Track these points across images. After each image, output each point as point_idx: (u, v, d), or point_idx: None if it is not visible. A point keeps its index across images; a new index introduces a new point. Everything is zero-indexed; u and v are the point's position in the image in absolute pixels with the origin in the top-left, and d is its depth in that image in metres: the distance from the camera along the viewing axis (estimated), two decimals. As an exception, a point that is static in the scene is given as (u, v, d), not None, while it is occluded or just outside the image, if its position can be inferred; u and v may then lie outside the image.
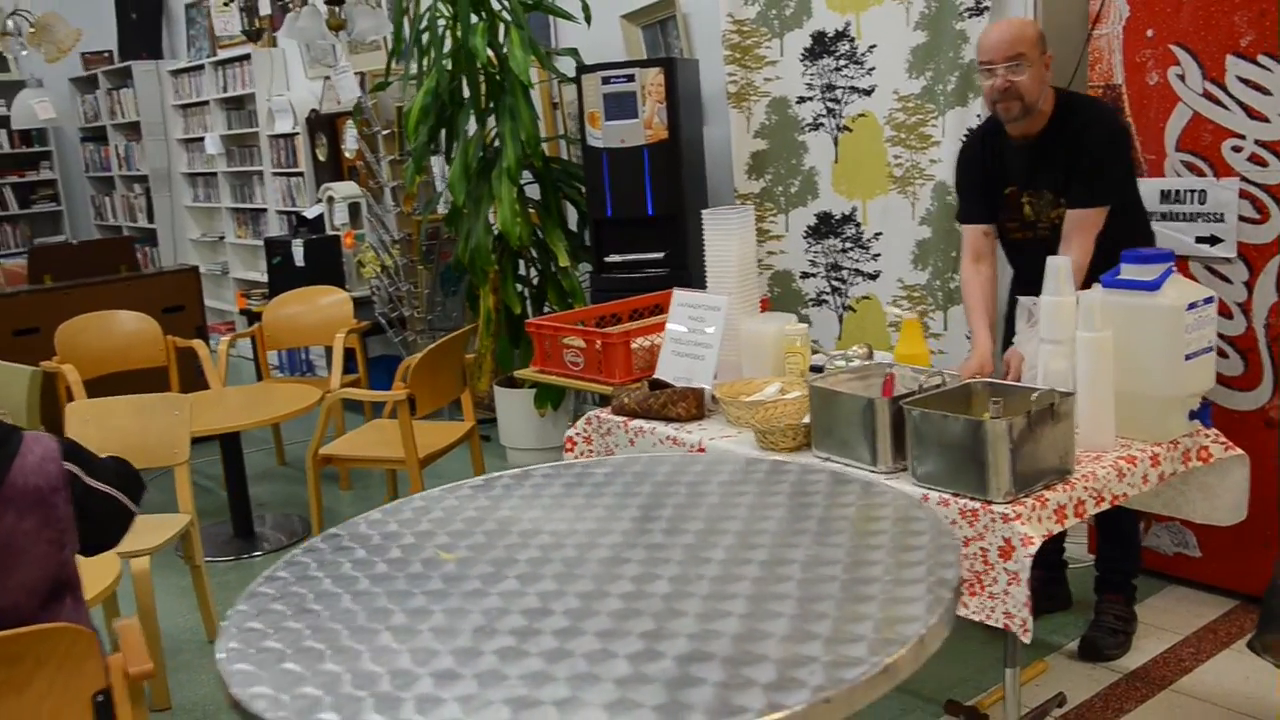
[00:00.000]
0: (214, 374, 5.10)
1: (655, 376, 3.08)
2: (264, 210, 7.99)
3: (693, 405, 2.90)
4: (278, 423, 4.21)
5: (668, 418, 2.92)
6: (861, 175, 4.15)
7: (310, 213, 6.95)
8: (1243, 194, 3.14)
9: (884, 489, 2.03)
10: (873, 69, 4.04)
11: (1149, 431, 2.46)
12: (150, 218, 9.21)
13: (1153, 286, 2.40)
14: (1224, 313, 3.22)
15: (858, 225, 4.20)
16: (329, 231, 6.75)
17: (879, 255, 4.16)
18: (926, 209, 3.95)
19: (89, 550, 2.16)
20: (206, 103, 8.32)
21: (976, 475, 2.17)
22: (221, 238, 8.67)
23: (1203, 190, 3.21)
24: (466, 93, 4.72)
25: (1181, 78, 3.21)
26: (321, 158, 7.11)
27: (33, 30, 5.11)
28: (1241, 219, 3.15)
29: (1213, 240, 3.22)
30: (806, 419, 2.59)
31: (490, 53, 4.43)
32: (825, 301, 4.38)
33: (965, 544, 2.21)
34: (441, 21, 4.54)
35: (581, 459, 3.14)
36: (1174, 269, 2.44)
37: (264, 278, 7.11)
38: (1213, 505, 2.61)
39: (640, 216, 4.26)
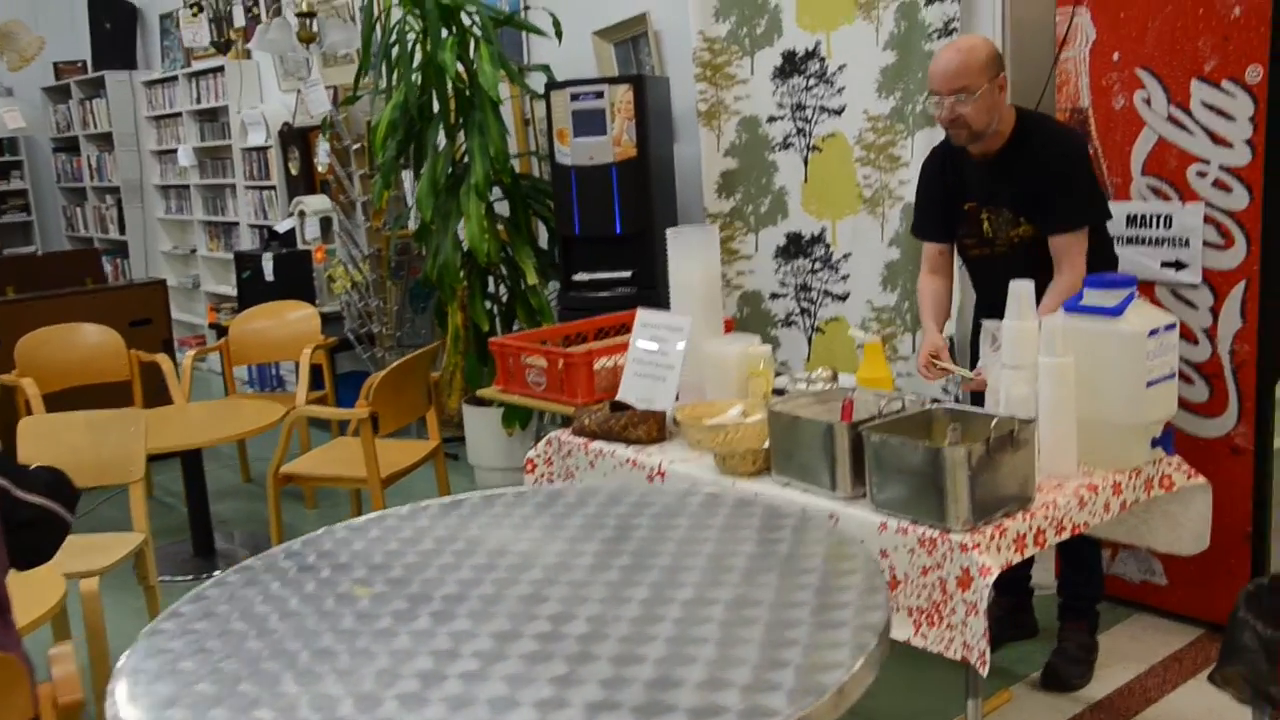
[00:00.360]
0: (178, 389, 5.03)
1: (617, 398, 3.04)
2: (236, 224, 7.92)
3: (653, 428, 2.86)
4: (239, 440, 4.15)
5: (628, 440, 2.88)
6: (831, 195, 4.13)
7: (282, 227, 6.89)
8: (1208, 219, 3.12)
9: (820, 523, 1.98)
10: (843, 88, 4.02)
11: (1111, 459, 2.43)
12: (122, 229, 9.12)
13: (1114, 312, 2.38)
14: (1189, 338, 3.20)
15: (827, 246, 4.18)
16: (300, 246, 6.70)
17: (848, 276, 4.13)
18: (895, 230, 3.93)
19: (22, 565, 2.10)
20: (179, 114, 8.25)
21: (935, 503, 2.14)
22: (193, 251, 8.60)
23: (1168, 215, 3.20)
24: (436, 107, 4.67)
25: (1147, 102, 3.20)
26: (294, 171, 7.06)
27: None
28: (1206, 244, 3.14)
29: (1178, 265, 3.20)
30: (767, 444, 2.55)
31: (460, 68, 4.40)
32: (794, 323, 4.35)
33: (924, 573, 2.18)
34: (411, 35, 4.51)
35: (542, 482, 3.10)
36: (1136, 294, 2.41)
37: (235, 291, 7.04)
38: (1176, 534, 2.58)
39: (608, 235, 4.23)
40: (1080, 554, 3.07)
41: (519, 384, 3.38)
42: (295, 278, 6.42)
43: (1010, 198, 2.90)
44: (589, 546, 1.90)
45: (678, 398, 3.13)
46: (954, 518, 2.13)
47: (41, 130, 10.07)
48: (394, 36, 4.40)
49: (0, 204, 10.01)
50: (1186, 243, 3.17)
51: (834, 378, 3.01)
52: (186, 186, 8.43)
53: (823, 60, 4.06)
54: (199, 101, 8.02)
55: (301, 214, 6.66)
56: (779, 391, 2.90)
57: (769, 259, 4.37)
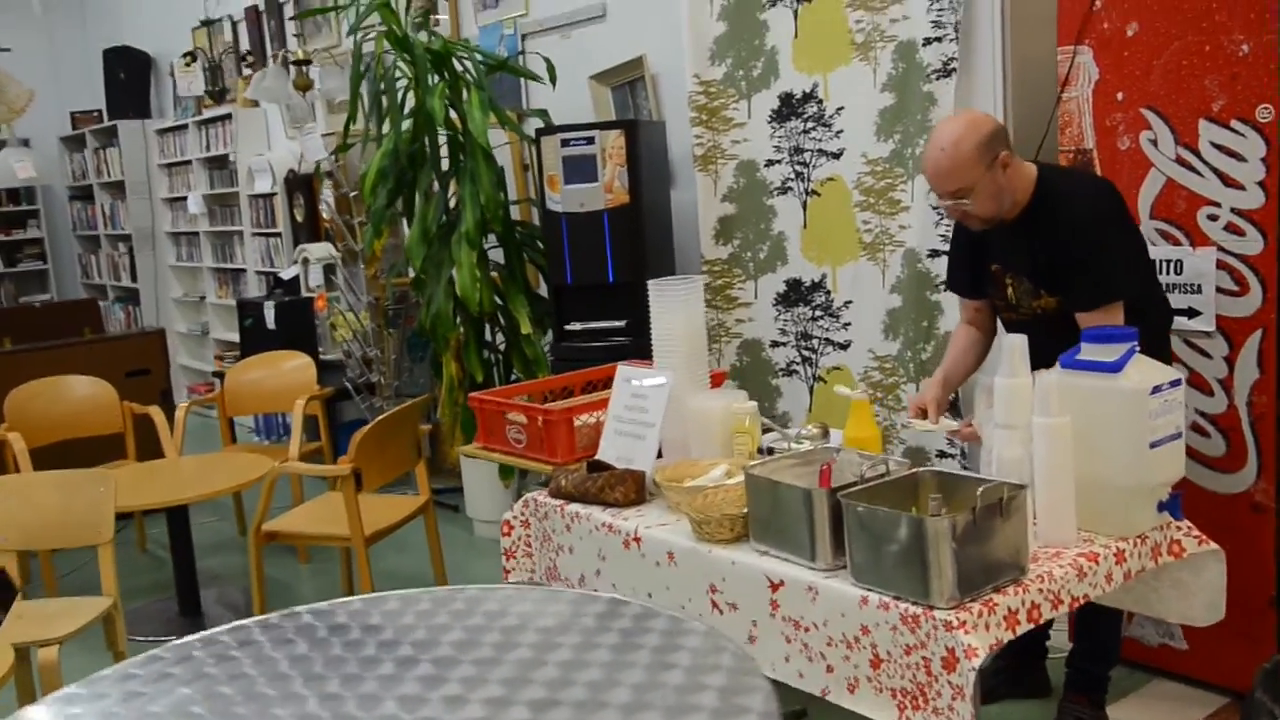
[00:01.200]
0: (169, 442, 4.93)
1: (595, 457, 2.90)
2: (244, 270, 7.87)
3: (631, 489, 2.71)
4: (226, 495, 4.03)
5: (605, 502, 2.74)
6: (831, 241, 3.99)
7: (286, 274, 6.83)
8: (1220, 264, 2.96)
9: (690, 630, 1.66)
10: (841, 131, 3.89)
11: (1114, 525, 2.27)
12: (134, 277, 9.11)
13: (1114, 368, 2.22)
14: (1204, 389, 3.03)
15: (828, 293, 4.04)
16: (304, 294, 6.62)
17: (849, 324, 3.99)
18: (897, 276, 3.78)
19: None
20: (189, 162, 8.24)
21: (918, 577, 1.98)
22: (203, 298, 8.56)
23: (1179, 260, 3.04)
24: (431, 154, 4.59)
25: (1154, 143, 3.05)
26: (299, 218, 7.00)
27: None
28: (1220, 290, 2.98)
29: (1190, 313, 3.04)
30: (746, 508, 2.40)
31: (454, 114, 4.31)
32: (795, 371, 4.20)
33: (906, 652, 2.02)
34: (402, 82, 4.43)
35: (519, 546, 2.95)
36: (1137, 349, 2.26)
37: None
38: (1188, 604, 2.41)
39: (601, 283, 4.10)
40: (1094, 621, 2.88)
41: (500, 440, 3.25)
42: (297, 326, 6.34)
43: (1030, 268, 2.72)
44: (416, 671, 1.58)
45: (660, 456, 2.99)
46: (938, 593, 1.97)
47: (58, 179, 10.12)
48: (383, 84, 4.33)
49: (17, 252, 10.05)
50: (1199, 289, 3.01)
51: (825, 434, 2.86)
52: (196, 234, 8.41)
53: (820, 102, 3.94)
54: (208, 149, 8.01)
55: (305, 261, 6.59)
56: (765, 451, 2.75)
57: (769, 306, 4.23)
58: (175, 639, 4.01)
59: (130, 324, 9.34)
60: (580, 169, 4.03)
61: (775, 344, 4.24)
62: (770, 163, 4.14)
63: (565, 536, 2.81)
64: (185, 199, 8.32)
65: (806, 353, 4.14)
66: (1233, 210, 2.92)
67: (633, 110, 4.69)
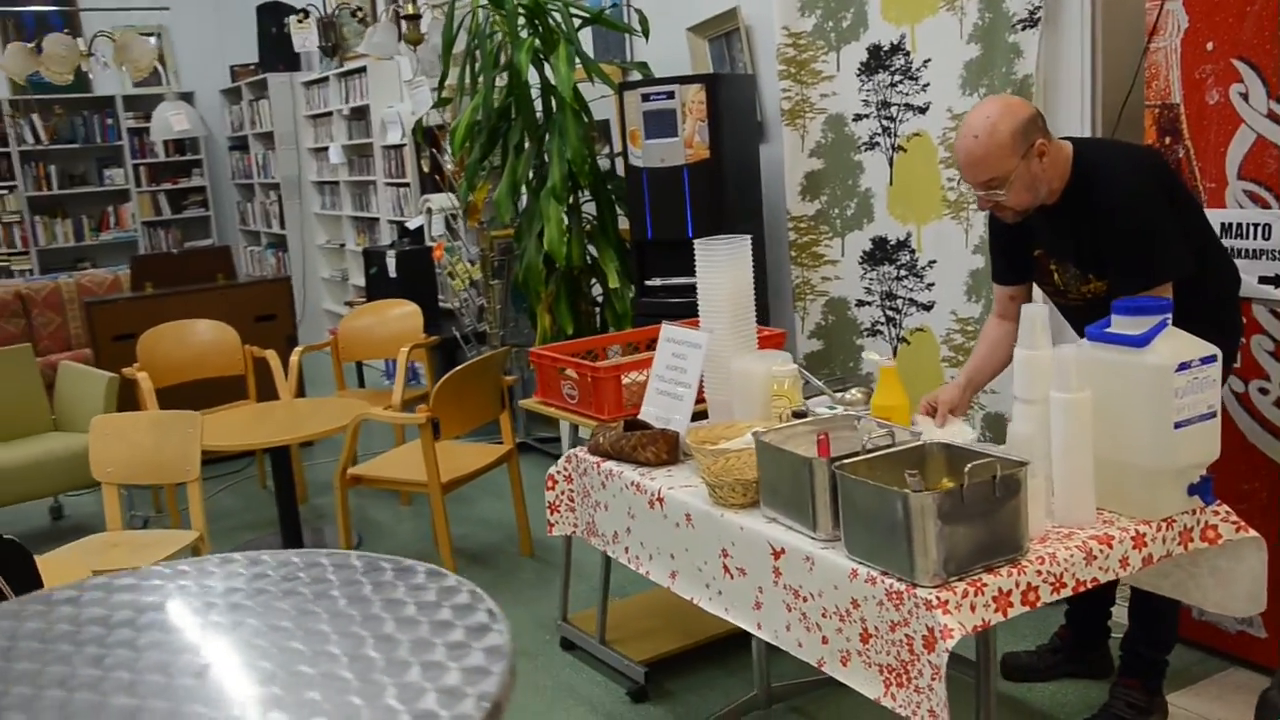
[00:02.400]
0: (284, 385, 5.17)
1: (635, 415, 2.91)
2: (377, 219, 8.14)
3: (663, 449, 2.72)
4: (313, 439, 4.21)
5: (637, 461, 2.75)
6: (915, 199, 3.87)
7: (412, 223, 7.02)
8: (1311, 229, 2.75)
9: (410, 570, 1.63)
10: (927, 85, 3.75)
11: (1136, 507, 2.16)
12: (283, 224, 9.52)
13: (1139, 342, 2.10)
14: (1290, 364, 2.84)
15: (912, 252, 3.92)
16: (428, 243, 6.80)
17: (933, 285, 3.86)
18: (980, 236, 3.64)
19: None
20: (330, 114, 8.54)
21: (904, 553, 1.93)
22: (342, 245, 8.89)
23: (1267, 224, 2.84)
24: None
25: (1244, 96, 2.84)
26: (425, 169, 7.18)
27: (115, 50, 5.29)
28: (1309, 258, 2.77)
29: (1277, 281, 2.83)
30: (760, 473, 2.38)
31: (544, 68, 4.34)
32: (880, 332, 4.10)
33: (891, 629, 1.98)
34: (497, 36, 4.47)
35: (563, 500, 3.00)
36: (1169, 322, 2.12)
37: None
38: (1227, 593, 2.27)
39: (681, 239, 4.08)
40: (1149, 604, 2.75)
41: (556, 395, 3.29)
42: (418, 274, 6.53)
43: (1075, 253, 2.58)
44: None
45: (707, 416, 2.99)
46: (921, 571, 1.91)
47: (219, 130, 10.64)
48: (475, 40, 4.38)
49: (183, 199, 10.61)
50: (1286, 256, 2.81)
51: (867, 401, 2.81)
52: (337, 183, 8.72)
53: (907, 54, 3.80)
54: (347, 100, 8.27)
55: (429, 211, 6.76)
56: (799, 414, 2.71)
57: (854, 264, 4.14)
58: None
59: (280, 269, 9.79)
60: (660, 123, 4.00)
61: (860, 303, 4.15)
62: (858, 117, 4.02)
63: (601, 493, 2.84)
64: (327, 149, 8.63)
65: (890, 313, 4.04)
66: (1325, 171, 2.70)
67: (728, 62, 4.62)
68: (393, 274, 6.54)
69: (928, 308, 3.90)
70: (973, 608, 1.92)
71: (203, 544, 3.52)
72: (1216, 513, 2.21)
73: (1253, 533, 2.21)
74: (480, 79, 4.43)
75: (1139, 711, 2.72)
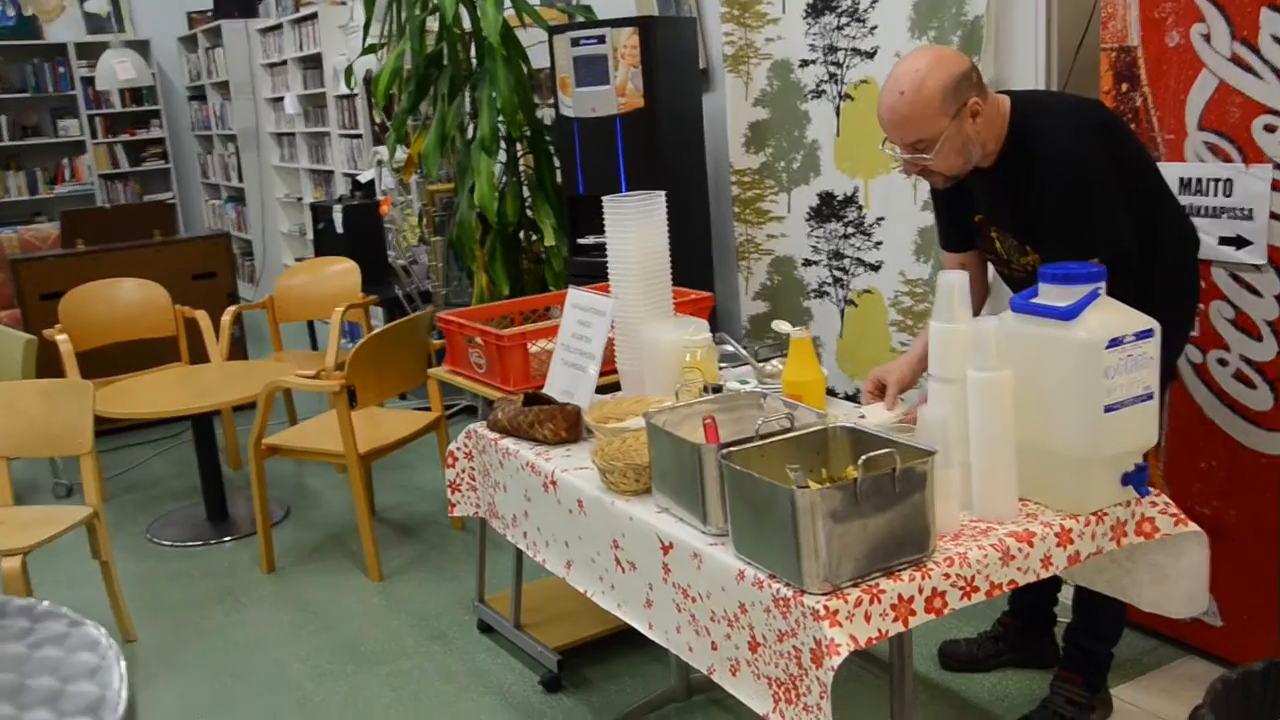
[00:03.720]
0: (214, 347, 4.92)
1: (535, 389, 2.68)
2: (333, 172, 7.85)
3: (561, 427, 2.49)
4: (230, 406, 3.98)
5: (534, 439, 2.52)
6: (863, 151, 3.61)
7: (364, 176, 6.75)
8: (1276, 185, 2.50)
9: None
10: (875, 27, 3.48)
11: (1064, 499, 1.93)
12: (241, 176, 9.22)
13: (1066, 315, 1.86)
14: (1251, 332, 2.60)
15: (860, 208, 3.67)
16: (378, 197, 6.53)
17: (881, 243, 3.62)
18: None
19: None
20: (286, 62, 8.22)
21: (790, 555, 1.71)
22: (300, 199, 8.60)
23: (1228, 179, 2.59)
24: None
25: (1206, 37, 2.58)
26: (377, 120, 6.88)
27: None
28: (1274, 217, 2.52)
29: (1239, 242, 2.59)
30: (655, 457, 2.15)
31: (465, 12, 4.05)
32: (827, 293, 3.86)
33: (779, 639, 1.75)
34: (425, -23, 4.19)
35: (463, 478, 2.78)
36: (1101, 291, 1.89)
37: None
38: (1163, 591, 2.05)
39: (613, 193, 3.81)
40: (1091, 595, 2.53)
41: (464, 364, 3.06)
42: (365, 230, 6.27)
43: (1011, 221, 2.33)
44: None
45: (619, 390, 2.76)
46: (809, 576, 1.69)
47: (179, 79, 10.30)
48: (398, -21, 4.10)
49: (142, 151, 10.29)
50: (1250, 214, 2.56)
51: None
52: (293, 134, 8.42)
53: (855, -7, 3.53)
54: (301, 49, 7.95)
55: (379, 164, 6.48)
56: (714, 389, 2.47)
57: (801, 221, 3.88)
58: (199, 543, 3.99)
59: (241, 224, 9.51)
60: (591, 70, 3.73)
61: (807, 262, 3.91)
62: (804, 63, 3.76)
63: (499, 473, 2.61)
64: (283, 99, 8.32)
65: (838, 273, 3.80)
66: (1291, 121, 2.45)
67: (674, 6, 4.34)
68: (340, 229, 6.27)
69: (875, 268, 3.66)
70: (867, 617, 1.70)
71: (98, 520, 3.29)
72: (1154, 504, 1.99)
73: (1193, 526, 1.99)
74: (398, 24, 4.15)
75: (1080, 708, 2.52)
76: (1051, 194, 2.13)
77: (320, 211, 6.47)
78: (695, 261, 4.08)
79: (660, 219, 2.68)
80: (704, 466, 1.91)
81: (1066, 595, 2.79)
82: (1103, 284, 1.89)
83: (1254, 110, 2.52)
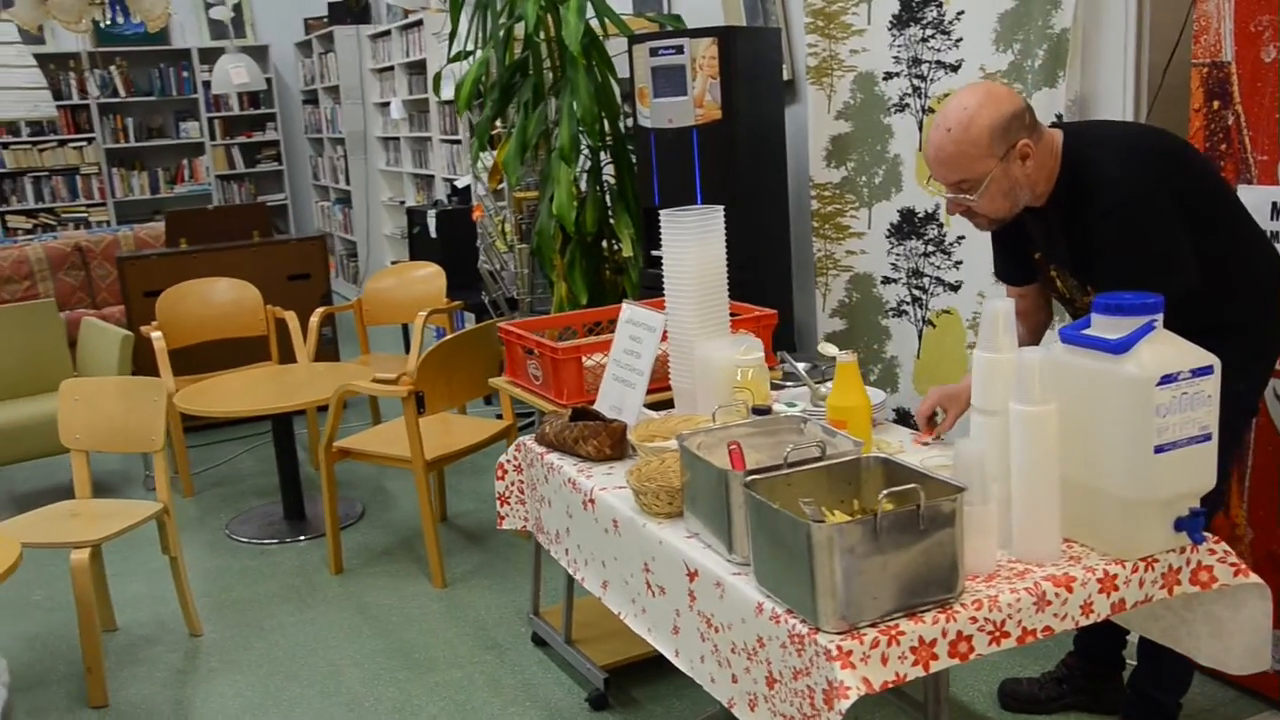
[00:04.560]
0: (301, 348, 5.03)
1: (585, 405, 2.65)
2: (433, 177, 7.97)
3: (605, 444, 2.45)
4: (303, 408, 4.04)
5: (578, 455, 2.49)
6: (945, 166, 3.49)
7: (461, 182, 6.82)
8: (1373, 213, 2.34)
9: None
10: (960, 40, 3.37)
11: (1111, 543, 1.82)
12: (348, 179, 9.43)
13: (1117, 348, 1.75)
14: (1343, 369, 2.43)
15: (940, 226, 3.55)
16: (474, 202, 6.60)
17: (961, 262, 3.50)
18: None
19: None
20: (393, 67, 8.37)
21: (807, 592, 1.64)
22: (402, 202, 8.75)
23: (1323, 205, 2.43)
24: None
25: (1303, 55, 2.43)
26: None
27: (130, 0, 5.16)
28: (1370, 246, 2.35)
29: (1332, 272, 2.43)
30: (689, 480, 2.09)
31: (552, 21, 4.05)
32: (905, 312, 3.75)
33: (795, 677, 1.69)
34: (510, -13, 4.20)
35: (512, 490, 2.76)
36: (1157, 324, 1.77)
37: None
38: (1222, 645, 1.92)
39: (689, 206, 3.76)
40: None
41: (523, 374, 3.04)
42: (459, 236, 6.33)
43: (1070, 259, 2.22)
44: None
45: (673, 406, 2.72)
46: (824, 614, 1.62)
47: (294, 84, 10.60)
48: (485, -10, 4.12)
49: (257, 153, 10.61)
50: (1344, 243, 2.40)
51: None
52: (398, 139, 8.57)
53: (940, 6, 3.42)
54: (408, 55, 8.09)
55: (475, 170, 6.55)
56: (760, 411, 2.40)
57: (881, 238, 3.78)
58: (274, 542, 4.08)
59: (347, 226, 9.72)
60: (669, 81, 3.69)
61: (886, 280, 3.80)
62: (888, 75, 3.66)
63: (545, 487, 2.59)
64: (389, 104, 8.48)
65: (917, 292, 3.68)
66: (1392, 144, 2.29)
67: (761, 16, 4.27)
68: (433, 234, 6.35)
69: (955, 288, 3.54)
70: (885, 660, 1.62)
71: (167, 516, 3.37)
72: (1213, 552, 1.86)
73: (1254, 578, 1.85)
74: (485, 33, 4.17)
75: (1138, 763, 2.38)
76: (1105, 231, 2.01)
77: (415, 216, 6.56)
78: (774, 277, 4.00)
79: (718, 235, 2.63)
80: (730, 493, 1.85)
81: (1135, 637, 2.65)
82: (1159, 316, 1.78)
83: (1353, 132, 2.35)
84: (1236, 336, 2.23)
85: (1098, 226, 2.04)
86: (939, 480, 1.72)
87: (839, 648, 1.59)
